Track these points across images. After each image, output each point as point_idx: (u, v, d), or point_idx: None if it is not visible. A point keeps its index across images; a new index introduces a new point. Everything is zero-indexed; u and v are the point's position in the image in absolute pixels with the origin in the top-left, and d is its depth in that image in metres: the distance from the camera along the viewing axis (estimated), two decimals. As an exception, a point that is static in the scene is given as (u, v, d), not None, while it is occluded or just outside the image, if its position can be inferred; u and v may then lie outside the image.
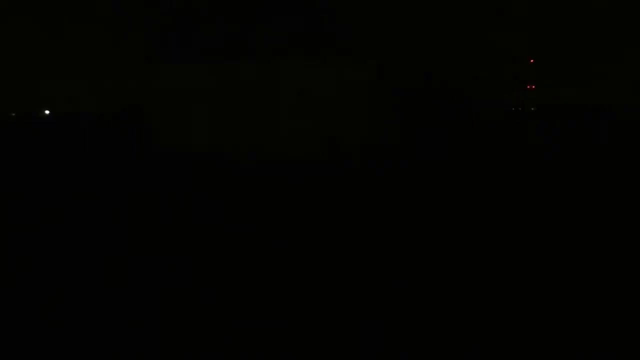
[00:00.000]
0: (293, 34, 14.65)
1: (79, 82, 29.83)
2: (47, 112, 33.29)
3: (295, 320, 3.29)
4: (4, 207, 7.42)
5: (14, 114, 32.39)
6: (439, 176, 9.64)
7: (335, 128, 13.64)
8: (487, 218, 6.48)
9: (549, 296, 3.66)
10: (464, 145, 13.65)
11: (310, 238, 5.47)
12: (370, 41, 14.61)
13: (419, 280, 4.06)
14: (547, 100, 30.20)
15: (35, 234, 5.77)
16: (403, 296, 3.71)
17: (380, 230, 5.80)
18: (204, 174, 10.57)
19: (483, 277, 4.13)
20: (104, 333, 3.12)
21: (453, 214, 6.69)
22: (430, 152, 12.60)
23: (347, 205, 7.30)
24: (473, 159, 11.43)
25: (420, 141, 14.75)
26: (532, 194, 8.07)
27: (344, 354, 2.82)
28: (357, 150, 12.55)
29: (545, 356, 2.77)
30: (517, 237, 5.48)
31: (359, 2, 14.64)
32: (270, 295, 3.77)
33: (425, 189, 8.43)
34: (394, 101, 15.92)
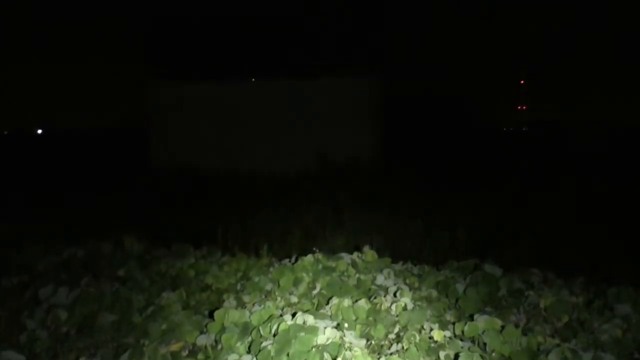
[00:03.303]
0: (292, 55, 14.83)
1: (77, 98, 29.82)
2: (40, 130, 33.24)
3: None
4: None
5: (7, 132, 32.33)
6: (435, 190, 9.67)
7: (332, 144, 13.74)
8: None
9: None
10: (460, 162, 13.74)
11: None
12: (368, 58, 14.78)
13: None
14: (540, 118, 30.58)
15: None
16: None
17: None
18: (204, 188, 10.58)
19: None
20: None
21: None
22: (427, 167, 12.66)
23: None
24: (470, 174, 11.50)
25: (417, 157, 14.84)
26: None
27: None
28: (354, 166, 12.63)
29: None
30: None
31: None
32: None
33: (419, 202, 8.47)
34: (392, 117, 16.05)
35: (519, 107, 32.34)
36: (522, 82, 31.85)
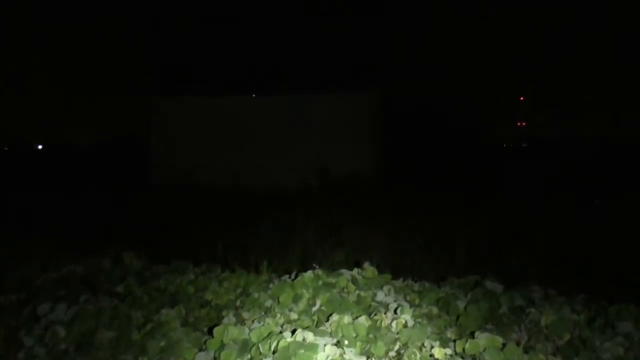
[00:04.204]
0: (293, 71, 14.92)
1: (77, 113, 29.91)
2: (41, 146, 33.30)
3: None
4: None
5: (7, 148, 32.38)
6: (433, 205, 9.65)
7: (332, 158, 13.76)
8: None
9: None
10: (460, 176, 13.75)
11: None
12: (370, 73, 14.87)
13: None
14: (539, 134, 30.66)
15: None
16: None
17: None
18: (204, 203, 10.56)
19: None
20: None
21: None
22: (427, 181, 12.67)
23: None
24: (470, 189, 11.50)
25: (417, 170, 14.86)
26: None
27: None
28: (354, 180, 12.64)
29: None
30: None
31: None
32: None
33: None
34: (392, 132, 16.10)
35: (519, 124, 32.44)
36: (522, 98, 32.00)
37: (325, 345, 2.39)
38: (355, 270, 3.42)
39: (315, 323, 2.85)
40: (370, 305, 3.00)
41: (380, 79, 15.32)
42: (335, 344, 2.44)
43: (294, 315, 2.90)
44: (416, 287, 3.36)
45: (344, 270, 3.40)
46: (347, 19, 14.92)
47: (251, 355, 2.48)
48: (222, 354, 2.53)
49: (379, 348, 2.49)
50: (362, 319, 2.64)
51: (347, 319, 2.64)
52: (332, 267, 3.62)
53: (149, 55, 15.84)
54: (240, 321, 2.91)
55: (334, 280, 3.24)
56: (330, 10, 15.00)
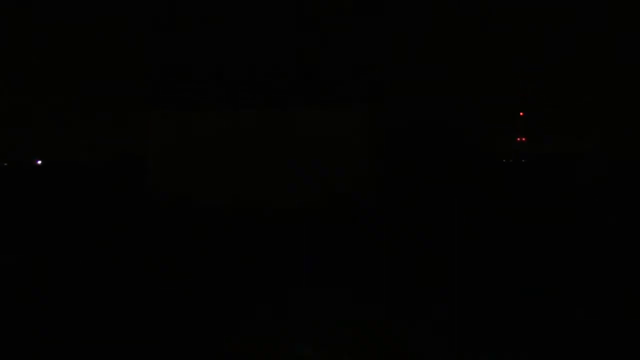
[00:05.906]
0: (293, 84, 14.88)
1: (74, 129, 29.88)
2: (40, 161, 33.24)
3: None
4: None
5: (6, 164, 32.30)
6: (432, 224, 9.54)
7: (332, 176, 13.68)
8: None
9: None
10: (459, 196, 13.68)
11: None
12: (369, 89, 14.82)
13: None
14: (538, 149, 30.61)
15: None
16: None
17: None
18: (204, 223, 10.47)
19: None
20: None
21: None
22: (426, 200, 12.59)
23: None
24: (467, 209, 11.42)
25: (417, 189, 14.78)
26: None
27: None
28: (357, 198, 12.52)
29: None
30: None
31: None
32: None
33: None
34: (392, 147, 16.03)
35: (518, 139, 32.37)
36: (521, 114, 31.99)
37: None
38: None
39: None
40: None
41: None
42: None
43: None
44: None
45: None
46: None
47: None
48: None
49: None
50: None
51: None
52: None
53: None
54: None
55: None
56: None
